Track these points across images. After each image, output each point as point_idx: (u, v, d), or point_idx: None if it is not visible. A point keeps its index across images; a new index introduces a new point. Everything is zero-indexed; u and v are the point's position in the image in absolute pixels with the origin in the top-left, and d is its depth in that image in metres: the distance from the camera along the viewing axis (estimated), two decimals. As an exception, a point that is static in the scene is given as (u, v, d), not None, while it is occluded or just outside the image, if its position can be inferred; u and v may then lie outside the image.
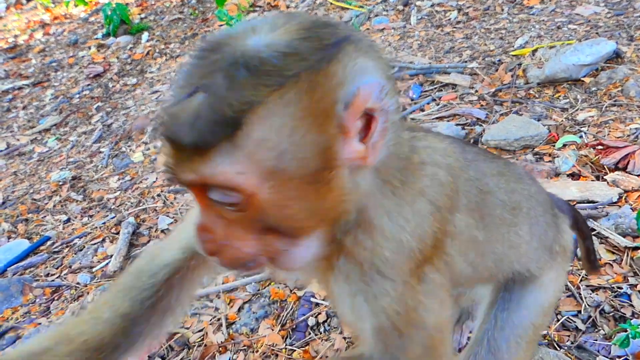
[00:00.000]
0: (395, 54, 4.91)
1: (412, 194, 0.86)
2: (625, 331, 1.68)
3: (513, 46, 4.18)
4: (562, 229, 1.37)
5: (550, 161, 2.80)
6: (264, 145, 0.67)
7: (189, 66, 0.72)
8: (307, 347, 2.03)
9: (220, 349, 2.16)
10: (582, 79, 3.55)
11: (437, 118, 3.54)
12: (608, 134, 2.89)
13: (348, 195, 0.76)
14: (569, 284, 2.00)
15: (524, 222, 1.21)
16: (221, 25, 5.98)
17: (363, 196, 0.79)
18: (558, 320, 1.91)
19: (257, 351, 2.08)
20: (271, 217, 0.73)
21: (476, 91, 3.74)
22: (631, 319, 1.79)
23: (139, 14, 7.13)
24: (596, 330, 1.85)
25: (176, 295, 1.07)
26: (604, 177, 2.53)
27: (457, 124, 3.32)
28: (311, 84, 0.68)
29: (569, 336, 1.86)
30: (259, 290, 2.40)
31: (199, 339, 2.22)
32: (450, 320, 1.01)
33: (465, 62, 4.18)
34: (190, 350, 2.19)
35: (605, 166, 2.59)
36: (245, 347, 2.12)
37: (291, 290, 2.33)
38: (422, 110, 3.70)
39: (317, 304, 2.23)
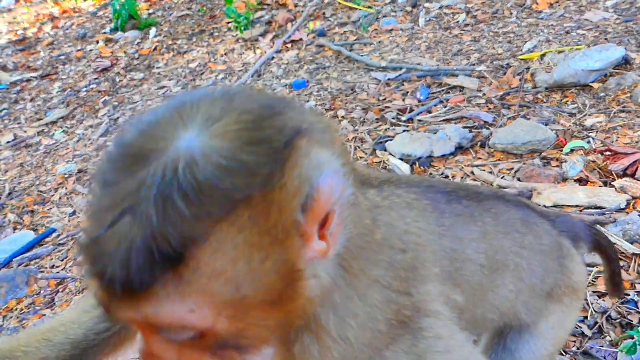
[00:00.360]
0: (403, 56, 4.91)
1: (366, 283, 0.77)
2: (632, 338, 1.68)
3: (521, 50, 4.18)
4: (569, 269, 1.28)
5: (557, 166, 2.80)
6: (217, 279, 0.57)
7: (107, 177, 0.59)
8: None
9: None
10: (591, 84, 3.54)
11: (444, 120, 3.54)
12: (616, 140, 2.89)
13: (311, 296, 0.68)
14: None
15: (509, 280, 1.14)
16: (229, 22, 6.00)
17: (324, 289, 0.70)
18: (564, 325, 1.91)
19: None
20: (229, 340, 0.64)
21: (484, 94, 3.74)
22: (638, 326, 1.79)
23: (147, 9, 7.15)
24: (602, 336, 1.85)
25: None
26: (612, 183, 2.53)
27: (464, 127, 3.32)
28: (265, 202, 0.58)
29: (574, 342, 1.86)
30: None
31: None
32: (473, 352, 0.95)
33: (473, 64, 4.18)
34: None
35: (613, 172, 2.59)
36: None
37: None
38: (429, 112, 3.70)
39: None
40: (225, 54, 5.97)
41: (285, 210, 0.60)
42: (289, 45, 5.70)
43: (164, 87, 5.35)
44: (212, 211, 0.55)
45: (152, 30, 6.45)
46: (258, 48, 5.91)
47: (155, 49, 6.12)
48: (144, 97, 5.14)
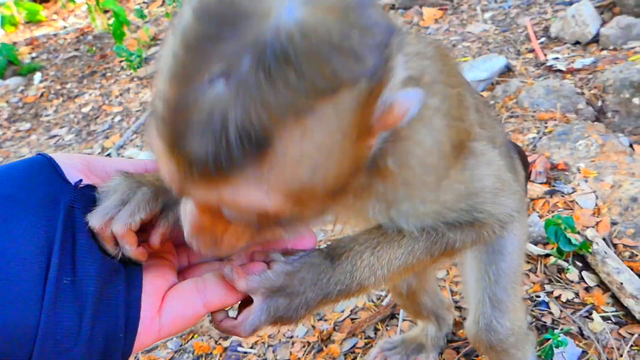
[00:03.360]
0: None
1: (429, 113, 0.79)
2: (549, 341, 1.73)
3: (415, 66, 4.34)
4: (518, 171, 1.49)
5: (461, 176, 2.88)
6: (299, 164, 0.53)
7: (193, 33, 0.50)
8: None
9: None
10: (481, 93, 3.74)
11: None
12: (510, 145, 3.04)
13: (359, 178, 0.67)
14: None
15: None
16: (121, 61, 5.72)
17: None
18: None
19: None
20: (287, 221, 0.64)
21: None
22: (552, 328, 1.84)
23: (29, 53, 6.64)
24: (522, 341, 1.89)
25: None
26: (511, 187, 2.64)
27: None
28: (366, 92, 0.54)
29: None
30: (181, 345, 2.22)
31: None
32: (505, 166, 1.05)
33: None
34: None
35: (510, 176, 2.71)
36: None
37: (216, 342, 2.18)
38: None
39: (244, 353, 2.10)
40: (121, 94, 5.67)
41: (372, 107, 0.56)
42: (187, 79, 5.54)
43: (54, 136, 4.96)
44: (318, 86, 0.49)
45: (37, 76, 6.00)
46: (154, 86, 5.68)
47: (42, 95, 5.68)
48: (33, 149, 4.72)
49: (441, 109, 0.81)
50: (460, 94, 0.94)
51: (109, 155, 4.27)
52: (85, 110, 5.38)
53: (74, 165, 0.67)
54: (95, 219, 0.64)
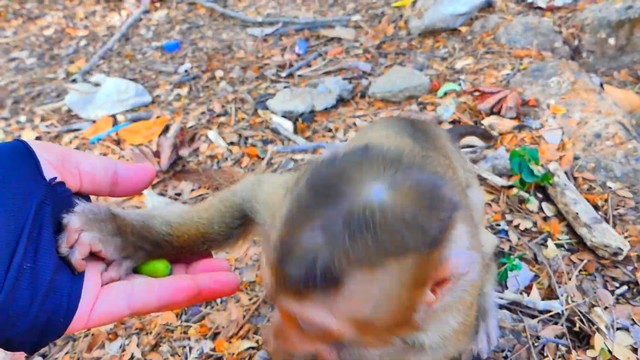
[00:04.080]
0: (279, 10, 4.75)
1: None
2: (504, 265, 1.80)
3: (394, -3, 4.21)
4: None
5: (433, 110, 2.88)
6: (363, 302, 0.70)
7: (305, 201, 0.71)
8: (203, 322, 1.94)
9: (110, 336, 1.99)
10: (459, 28, 3.68)
11: (324, 73, 3.49)
12: (483, 81, 3.03)
13: (415, 326, 0.81)
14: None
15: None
16: (86, -19, 5.38)
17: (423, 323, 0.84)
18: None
19: (150, 333, 1.95)
20: (346, 343, 0.78)
21: (361, 44, 3.74)
22: (510, 254, 1.92)
23: (-15, -30, 6.18)
24: (479, 267, 1.96)
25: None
26: (482, 122, 2.66)
27: (343, 78, 3.30)
28: (427, 256, 0.69)
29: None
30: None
31: (85, 328, 2.04)
32: None
33: (349, 15, 4.15)
34: (76, 342, 2.00)
35: (482, 111, 2.72)
36: (138, 331, 1.98)
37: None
38: (309, 66, 3.63)
39: (211, 276, 2.13)
40: (86, 17, 5.38)
41: (430, 268, 0.70)
42: (157, 4, 5.27)
43: (14, 59, 4.71)
44: (387, 249, 0.66)
45: (-6, -6, 5.61)
46: (123, 9, 5.39)
47: (-1, 15, 5.34)
48: (-8, 72, 4.49)
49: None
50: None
51: (74, 81, 4.10)
52: (47, 32, 5.10)
53: (51, 162, 0.72)
54: (76, 221, 0.75)
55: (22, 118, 3.74)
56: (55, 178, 0.71)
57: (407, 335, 0.88)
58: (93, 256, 0.78)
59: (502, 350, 1.62)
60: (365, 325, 0.73)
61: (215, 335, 1.88)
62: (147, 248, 0.87)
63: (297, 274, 0.67)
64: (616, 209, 2.02)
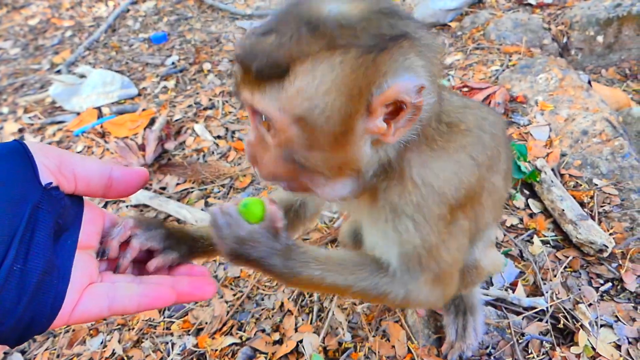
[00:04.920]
0: (269, 2, 4.70)
1: (454, 147, 0.94)
2: (490, 262, 1.79)
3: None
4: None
5: (421, 105, 2.86)
6: (301, 95, 0.76)
7: (272, 13, 0.83)
8: (186, 317, 1.91)
9: (91, 331, 1.96)
10: (449, 23, 3.66)
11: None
12: (472, 76, 3.02)
13: (363, 159, 0.86)
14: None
15: None
16: (72, -30, 5.29)
17: (384, 160, 0.89)
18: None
19: (132, 329, 1.92)
20: (296, 155, 0.84)
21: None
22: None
23: (-32, -43, 6.04)
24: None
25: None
26: (470, 118, 2.65)
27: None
28: (356, 60, 0.75)
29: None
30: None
31: (65, 325, 2.00)
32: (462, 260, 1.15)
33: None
34: (56, 338, 1.97)
35: (470, 107, 2.70)
36: (120, 327, 1.95)
37: (167, 259, 2.17)
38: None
39: (196, 271, 2.10)
40: (72, 7, 5.28)
41: (367, 77, 0.76)
42: (145, -5, 5.19)
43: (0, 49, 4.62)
44: (319, 42, 0.74)
45: (-23, -18, 5.49)
46: (110, 0, 5.31)
47: (-17, 4, 5.23)
48: (-25, 62, 4.40)
49: (468, 148, 0.95)
50: (498, 152, 1.05)
51: (59, 72, 4.03)
52: (32, 22, 5.00)
53: (47, 165, 0.74)
54: (131, 222, 0.90)
55: (5, 109, 3.67)
56: (51, 183, 0.74)
57: (355, 177, 0.90)
58: (83, 256, 0.79)
59: (487, 347, 1.62)
60: (307, 125, 0.79)
61: (198, 331, 1.86)
62: (188, 243, 1.01)
63: (252, 65, 0.78)
64: (602, 206, 2.02)
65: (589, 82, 2.88)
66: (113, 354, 1.84)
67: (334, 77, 0.75)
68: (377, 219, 0.99)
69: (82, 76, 3.77)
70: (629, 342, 1.60)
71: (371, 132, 0.81)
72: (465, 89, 2.83)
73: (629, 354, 1.57)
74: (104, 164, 0.83)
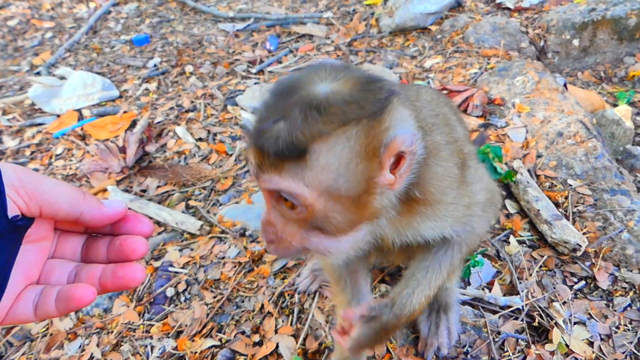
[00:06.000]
0: (251, 5, 4.71)
1: (442, 158, 1.12)
2: (467, 262, 1.82)
3: (366, -5, 4.22)
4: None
5: (402, 108, 2.89)
6: (326, 169, 0.87)
7: (270, 102, 0.93)
8: (166, 320, 1.91)
9: (69, 335, 1.94)
10: (429, 27, 3.70)
11: (295, 70, 3.47)
12: (452, 79, 3.06)
13: (377, 209, 0.99)
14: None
15: None
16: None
17: (388, 205, 1.03)
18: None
19: (111, 332, 1.91)
20: (319, 221, 0.95)
21: (332, 41, 3.73)
22: (473, 251, 1.94)
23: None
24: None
25: None
26: (449, 120, 2.68)
27: (314, 75, 3.29)
28: (367, 127, 0.87)
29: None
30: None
31: (43, 329, 1.98)
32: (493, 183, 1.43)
33: (321, 11, 4.14)
34: (33, 342, 1.94)
35: (449, 110, 2.74)
36: (98, 330, 1.94)
37: (147, 262, 2.16)
38: (280, 62, 3.60)
39: (175, 273, 2.10)
40: (53, 8, 5.23)
41: (376, 137, 0.89)
42: (126, -4, 5.16)
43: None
44: (334, 120, 0.85)
45: (-46, -17, 5.40)
46: (91, 1, 5.26)
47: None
48: (-48, 64, 4.33)
49: (441, 142, 1.13)
50: (447, 119, 1.28)
51: (38, 73, 3.98)
52: (11, 23, 4.94)
53: (15, 199, 0.72)
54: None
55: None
56: (17, 216, 0.73)
57: (373, 222, 1.03)
58: (28, 253, 0.78)
59: (464, 346, 1.64)
60: (333, 195, 0.90)
61: (178, 334, 1.85)
62: None
63: (268, 148, 0.86)
64: (576, 206, 2.06)
65: (565, 85, 2.94)
66: (91, 357, 1.83)
67: (353, 146, 0.87)
68: (418, 222, 1.16)
69: (63, 78, 3.73)
70: (601, 339, 1.64)
71: (383, 185, 0.94)
72: (445, 92, 2.87)
73: (601, 350, 1.60)
74: (76, 202, 0.79)
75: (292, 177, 0.88)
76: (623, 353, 1.59)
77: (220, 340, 1.79)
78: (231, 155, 2.77)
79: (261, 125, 0.89)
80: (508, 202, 2.15)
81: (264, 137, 0.87)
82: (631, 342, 1.61)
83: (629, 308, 1.73)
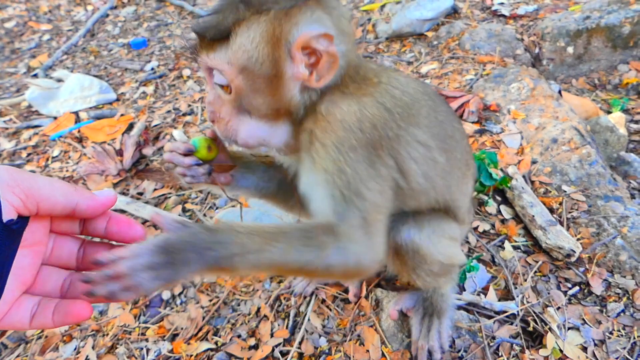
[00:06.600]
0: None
1: (363, 93, 1.13)
2: (462, 267, 1.83)
3: (363, 1, 4.24)
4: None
5: (398, 113, 2.91)
6: (241, 48, 1.03)
7: (217, 3, 1.08)
8: (161, 323, 1.91)
9: (65, 338, 1.94)
10: (425, 33, 3.73)
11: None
12: (448, 85, 3.08)
13: (293, 101, 1.10)
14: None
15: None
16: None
17: (309, 103, 1.12)
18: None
19: (106, 335, 1.91)
20: (244, 100, 1.09)
21: (330, 46, 3.75)
22: (468, 256, 1.95)
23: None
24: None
25: None
26: (445, 125, 2.70)
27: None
28: (277, 17, 1.02)
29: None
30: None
31: (38, 331, 1.98)
32: (387, 215, 1.18)
33: (319, 17, 4.17)
34: (28, 345, 1.94)
35: (445, 115, 2.76)
36: (94, 332, 1.94)
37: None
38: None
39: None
40: (50, 11, 5.23)
41: (284, 28, 1.03)
42: (125, 0, 5.17)
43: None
44: (251, 10, 1.02)
45: (-48, -16, 5.40)
46: (89, 4, 5.27)
47: (-43, 6, 5.14)
48: (-52, 65, 4.32)
49: (377, 98, 1.12)
50: (412, 107, 1.18)
51: (35, 76, 3.98)
52: (8, 25, 4.93)
53: (12, 201, 0.73)
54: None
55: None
56: (12, 220, 0.73)
57: (290, 119, 1.13)
58: (24, 258, 0.79)
59: (458, 351, 1.65)
60: (249, 72, 1.04)
61: (173, 337, 1.85)
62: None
63: (204, 33, 1.04)
64: (570, 212, 2.08)
65: (560, 92, 2.97)
66: (87, 360, 1.83)
67: (261, 31, 1.02)
68: (308, 163, 1.13)
69: (60, 80, 3.73)
70: (595, 344, 1.65)
71: (297, 78, 1.07)
72: (441, 98, 2.88)
73: (594, 355, 1.62)
74: (70, 195, 0.80)
75: (219, 55, 1.04)
76: (616, 358, 1.60)
77: (216, 343, 1.79)
78: (228, 159, 2.77)
79: (204, 17, 1.08)
80: (503, 208, 2.17)
81: (201, 25, 1.06)
82: (624, 348, 1.62)
83: (622, 314, 1.74)
